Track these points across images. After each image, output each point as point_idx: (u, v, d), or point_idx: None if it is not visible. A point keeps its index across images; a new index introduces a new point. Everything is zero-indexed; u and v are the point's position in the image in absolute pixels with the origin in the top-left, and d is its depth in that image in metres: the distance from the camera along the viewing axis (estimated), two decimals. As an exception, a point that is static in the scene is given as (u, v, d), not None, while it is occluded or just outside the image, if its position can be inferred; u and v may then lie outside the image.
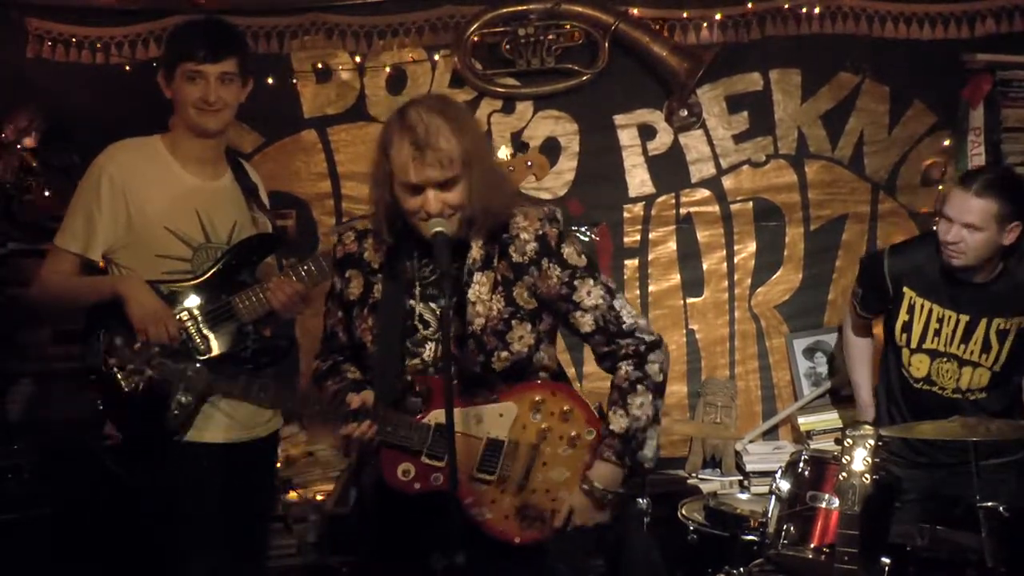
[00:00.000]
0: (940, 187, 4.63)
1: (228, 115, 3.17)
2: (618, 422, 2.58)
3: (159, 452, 3.07)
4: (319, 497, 4.24)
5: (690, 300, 4.76)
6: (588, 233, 3.96)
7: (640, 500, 3.83)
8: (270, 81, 4.39)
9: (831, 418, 4.58)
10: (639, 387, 2.60)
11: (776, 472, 3.47)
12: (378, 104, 4.59)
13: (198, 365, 2.82)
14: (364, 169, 4.48)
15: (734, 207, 4.73)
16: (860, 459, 2.97)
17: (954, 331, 3.59)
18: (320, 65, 4.55)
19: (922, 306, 3.63)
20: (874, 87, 4.68)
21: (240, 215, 3.25)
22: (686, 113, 4.63)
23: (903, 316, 3.66)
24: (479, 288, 2.58)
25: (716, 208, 4.73)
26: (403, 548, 2.63)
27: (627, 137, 4.69)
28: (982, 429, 3.27)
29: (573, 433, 2.61)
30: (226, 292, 3.13)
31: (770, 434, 4.72)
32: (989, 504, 3.21)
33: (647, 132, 4.69)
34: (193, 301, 3.11)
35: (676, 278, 4.75)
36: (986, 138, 4.56)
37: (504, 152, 3.47)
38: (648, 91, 4.65)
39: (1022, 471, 3.61)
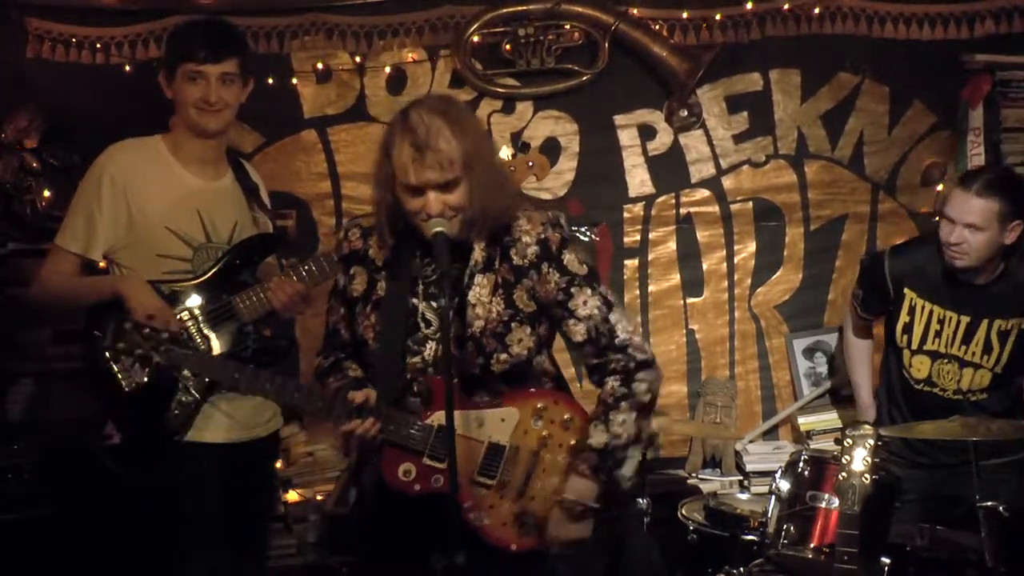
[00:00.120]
0: (940, 187, 4.64)
1: (229, 115, 3.17)
2: (597, 437, 2.55)
3: (159, 452, 3.07)
4: (319, 497, 4.24)
5: (690, 300, 4.76)
6: (588, 233, 3.96)
7: (640, 500, 3.84)
8: (270, 81, 4.39)
9: (831, 418, 4.59)
10: (623, 404, 2.56)
11: (776, 472, 3.48)
12: (378, 104, 4.59)
13: (204, 352, 2.82)
14: (364, 169, 4.51)
15: (734, 207, 4.73)
16: (860, 459, 2.97)
17: (955, 332, 3.59)
18: (320, 65, 4.54)
19: (923, 307, 3.63)
20: (874, 87, 4.69)
21: (241, 215, 3.25)
22: (686, 113, 4.63)
23: (904, 317, 3.66)
24: (479, 290, 2.57)
25: (716, 208, 4.73)
26: (403, 548, 2.63)
27: (627, 137, 4.69)
28: (982, 429, 3.28)
29: (572, 442, 2.60)
30: (227, 292, 3.13)
31: (770, 434, 4.73)
32: (989, 504, 3.21)
33: (647, 132, 4.69)
34: (194, 301, 3.11)
35: (676, 278, 4.75)
36: (986, 138, 4.56)
37: (505, 152, 3.46)
38: (648, 91, 4.65)
39: (1023, 471, 3.61)
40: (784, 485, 3.38)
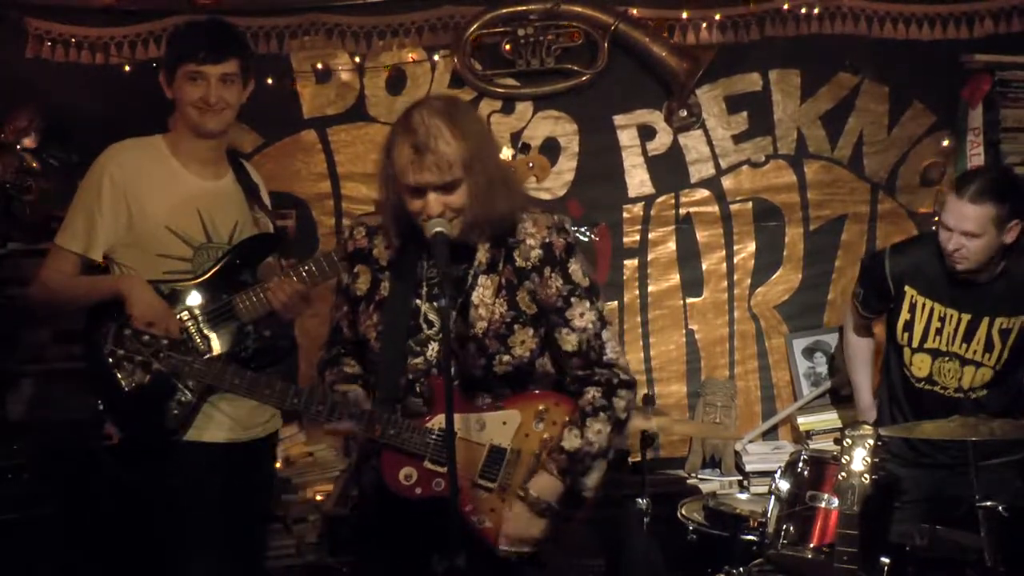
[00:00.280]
0: (939, 187, 4.64)
1: (229, 115, 3.17)
2: (571, 441, 2.56)
3: (159, 452, 3.06)
4: (319, 497, 4.24)
5: (690, 300, 4.76)
6: (588, 233, 3.95)
7: (640, 500, 3.84)
8: (270, 81, 4.39)
9: (831, 418, 4.59)
10: (601, 415, 2.57)
11: (776, 472, 3.48)
12: (378, 104, 4.59)
13: (204, 358, 2.82)
14: (364, 169, 4.53)
15: (733, 207, 4.73)
16: (859, 459, 2.97)
17: (956, 330, 3.60)
18: (320, 65, 4.54)
19: (923, 305, 3.63)
20: (873, 87, 4.69)
21: (241, 215, 3.25)
22: (685, 113, 4.63)
23: (904, 315, 3.66)
24: (483, 291, 2.57)
25: (715, 208, 4.73)
26: (403, 549, 2.63)
27: (627, 137, 4.69)
28: (983, 429, 3.27)
29: None
30: (227, 292, 3.13)
31: (770, 434, 4.73)
32: (989, 504, 3.21)
33: (647, 132, 4.69)
34: (194, 300, 3.11)
35: (676, 278, 4.75)
36: (985, 138, 4.57)
37: (506, 153, 3.46)
38: (648, 91, 4.65)
39: (1023, 471, 3.61)
40: (784, 485, 3.38)
